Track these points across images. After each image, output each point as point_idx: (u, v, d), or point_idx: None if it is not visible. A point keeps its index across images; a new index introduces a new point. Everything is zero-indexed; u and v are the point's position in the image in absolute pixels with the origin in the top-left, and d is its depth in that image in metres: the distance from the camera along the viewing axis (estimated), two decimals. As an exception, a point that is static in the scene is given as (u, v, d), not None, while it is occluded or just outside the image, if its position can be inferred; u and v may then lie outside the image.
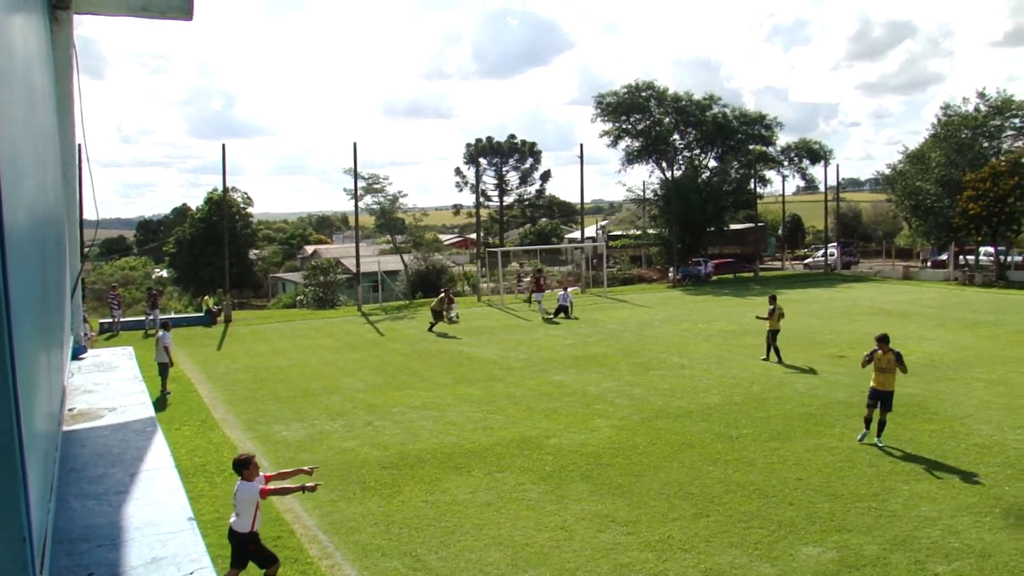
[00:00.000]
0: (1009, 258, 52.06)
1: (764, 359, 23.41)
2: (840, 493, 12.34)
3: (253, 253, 77.66)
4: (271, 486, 9.04)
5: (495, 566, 10.17)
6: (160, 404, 20.33)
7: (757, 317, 25.31)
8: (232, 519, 9.04)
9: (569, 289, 41.79)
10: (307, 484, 9.07)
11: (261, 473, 9.11)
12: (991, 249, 51.63)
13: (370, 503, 12.55)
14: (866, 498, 12.09)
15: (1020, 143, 50.69)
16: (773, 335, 23.39)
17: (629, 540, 10.81)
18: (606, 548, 10.57)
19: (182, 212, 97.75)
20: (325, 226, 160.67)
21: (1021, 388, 19.08)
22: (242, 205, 76.50)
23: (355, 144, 45.11)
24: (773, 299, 23.99)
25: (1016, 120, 50.60)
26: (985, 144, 50.82)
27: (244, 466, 8.88)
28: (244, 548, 9.01)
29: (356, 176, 46.59)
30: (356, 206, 48.13)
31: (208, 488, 13.47)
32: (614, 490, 12.78)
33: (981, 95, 51.11)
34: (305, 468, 9.57)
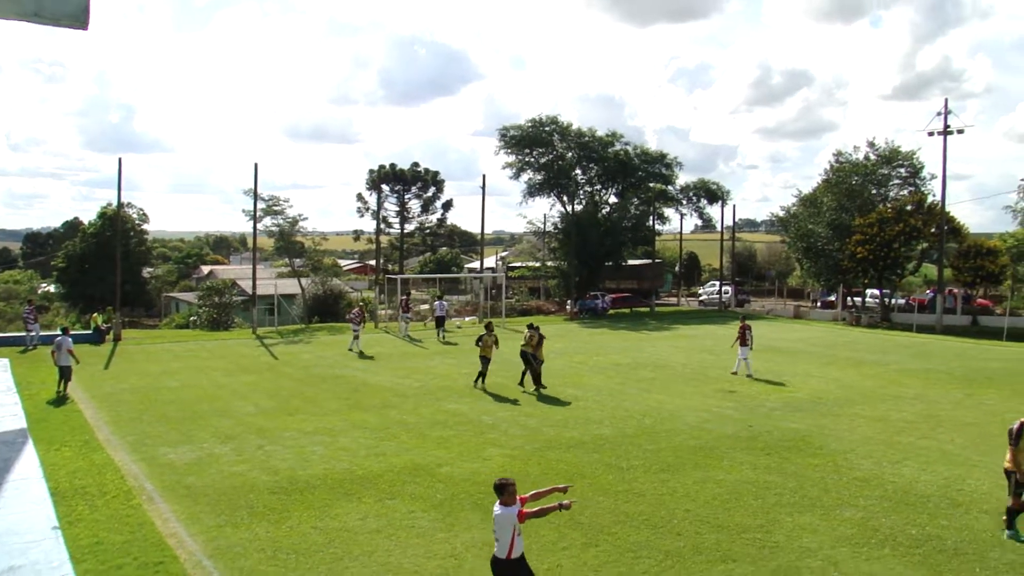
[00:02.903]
0: (893, 300, 54.14)
1: (530, 387, 24.12)
2: (726, 524, 12.58)
3: (147, 271, 75.67)
4: (527, 509, 8.70)
5: (382, 594, 10.07)
6: (58, 402, 21.02)
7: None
8: (495, 547, 8.68)
9: (467, 318, 42.42)
10: (563, 501, 8.78)
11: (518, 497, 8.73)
12: (877, 291, 53.56)
13: (258, 528, 12.31)
14: (751, 529, 12.35)
15: (905, 192, 52.84)
16: (534, 360, 24.13)
17: (518, 569, 10.81)
18: (495, 576, 10.56)
19: (73, 226, 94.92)
20: (223, 246, 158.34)
21: (900, 424, 19.78)
22: (137, 221, 74.62)
23: (256, 165, 45.01)
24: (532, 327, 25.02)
25: (902, 170, 52.82)
26: (873, 191, 52.89)
27: (501, 491, 8.56)
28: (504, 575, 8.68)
29: (256, 197, 46.10)
30: (255, 227, 47.55)
31: (88, 512, 13.01)
32: (505, 519, 12.78)
33: (871, 144, 53.38)
34: (560, 486, 9.33)
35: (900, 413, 21.21)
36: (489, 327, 25.64)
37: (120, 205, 44.20)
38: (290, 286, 54.75)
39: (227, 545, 11.60)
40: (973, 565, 10.98)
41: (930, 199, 50.92)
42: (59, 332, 25.40)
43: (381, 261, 63.26)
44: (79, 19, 4.80)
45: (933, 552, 11.44)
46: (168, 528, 12.28)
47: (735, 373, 27.11)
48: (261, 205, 48.37)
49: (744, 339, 27.27)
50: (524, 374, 24.46)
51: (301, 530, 12.25)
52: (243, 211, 49.14)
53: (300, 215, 52.53)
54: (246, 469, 15.60)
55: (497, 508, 8.59)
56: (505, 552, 8.51)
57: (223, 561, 11.02)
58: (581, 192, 61.14)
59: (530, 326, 25.11)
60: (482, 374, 24.60)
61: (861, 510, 13.29)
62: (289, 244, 53.60)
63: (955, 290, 53.82)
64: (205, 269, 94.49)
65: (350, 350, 33.22)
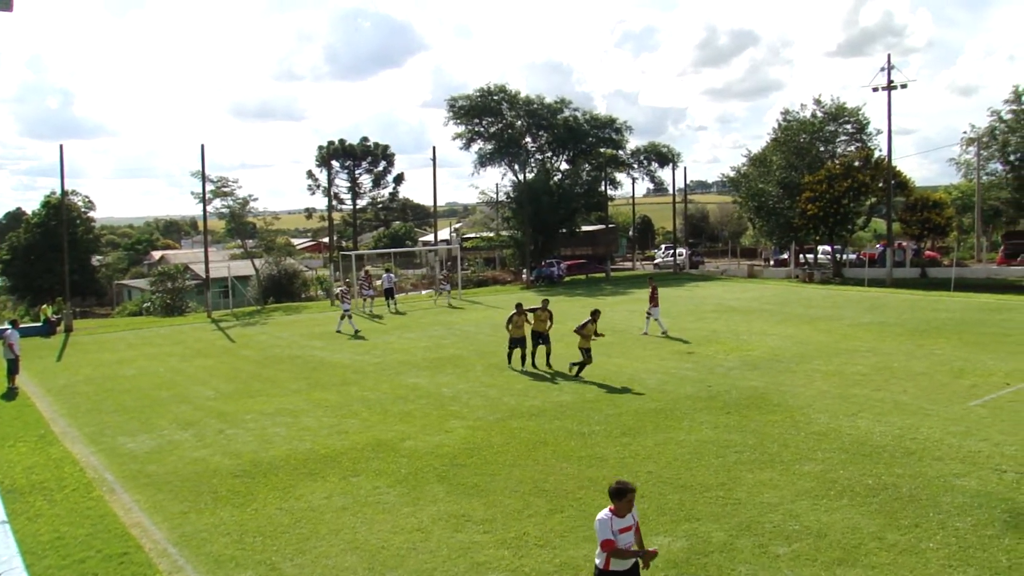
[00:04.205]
0: (844, 256, 54.87)
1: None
2: (689, 484, 12.74)
3: (96, 259, 74.60)
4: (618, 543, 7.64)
5: (352, 571, 10.10)
6: (8, 397, 22.20)
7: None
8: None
9: (424, 292, 42.80)
10: (651, 549, 7.89)
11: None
12: (828, 248, 54.22)
13: (222, 513, 12.26)
14: (713, 488, 12.53)
15: (852, 148, 53.38)
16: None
17: (485, 539, 10.90)
18: (462, 547, 10.64)
19: (16, 217, 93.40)
20: (173, 231, 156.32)
21: (855, 378, 20.12)
22: (83, 209, 73.51)
23: (203, 146, 44.27)
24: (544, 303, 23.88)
25: (848, 126, 53.28)
26: (821, 148, 53.35)
27: (616, 496, 7.58)
28: None
29: (204, 179, 45.57)
30: (204, 210, 47.06)
31: (47, 506, 12.86)
32: (470, 490, 12.86)
33: (817, 102, 53.71)
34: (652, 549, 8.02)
35: (854, 367, 21.57)
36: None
37: (64, 193, 43.51)
38: (244, 268, 54.33)
39: (192, 531, 11.55)
40: (927, 510, 11.24)
41: (877, 154, 51.57)
42: (7, 326, 25.12)
43: (335, 238, 62.88)
44: (2, 1, 4.70)
45: (889, 500, 11.69)
46: (131, 518, 12.19)
47: (647, 334, 28.04)
48: (210, 187, 47.95)
49: (653, 298, 28.35)
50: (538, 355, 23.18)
51: (266, 512, 12.22)
52: (192, 194, 48.63)
53: (250, 195, 52.55)
54: (208, 454, 15.51)
55: (603, 513, 7.68)
56: (602, 563, 7.81)
57: (189, 548, 10.98)
58: (532, 160, 61.06)
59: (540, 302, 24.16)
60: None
61: (819, 463, 13.53)
62: (240, 225, 53.22)
63: (904, 243, 54.64)
64: (156, 254, 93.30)
65: (356, 332, 31.57)
